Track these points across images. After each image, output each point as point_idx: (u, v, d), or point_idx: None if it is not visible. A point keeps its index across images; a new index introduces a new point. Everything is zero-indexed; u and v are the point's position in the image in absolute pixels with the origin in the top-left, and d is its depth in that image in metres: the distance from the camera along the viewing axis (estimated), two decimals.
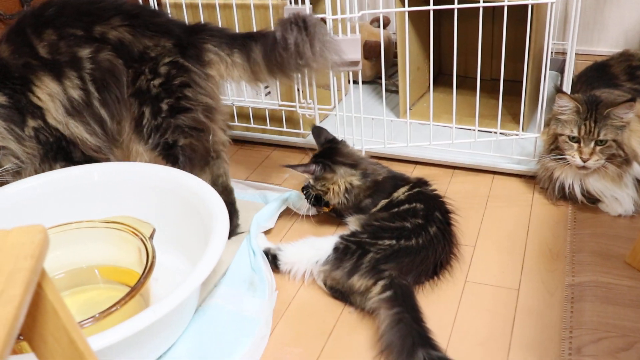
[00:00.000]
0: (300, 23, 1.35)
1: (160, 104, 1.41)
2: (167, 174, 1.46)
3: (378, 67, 2.19)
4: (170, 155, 1.46)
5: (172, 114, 1.42)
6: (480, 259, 1.42)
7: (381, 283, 1.24)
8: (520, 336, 1.21)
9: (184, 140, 1.44)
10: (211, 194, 1.37)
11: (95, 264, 1.37)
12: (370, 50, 2.13)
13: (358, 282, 1.26)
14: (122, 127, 1.46)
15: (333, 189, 1.46)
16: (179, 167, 1.46)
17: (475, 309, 1.28)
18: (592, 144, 1.47)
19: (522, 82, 1.68)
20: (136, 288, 1.15)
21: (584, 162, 1.48)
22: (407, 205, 1.39)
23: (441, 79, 2.20)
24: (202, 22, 1.50)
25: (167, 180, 1.45)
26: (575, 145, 1.49)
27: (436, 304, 1.29)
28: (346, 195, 1.45)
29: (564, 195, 1.58)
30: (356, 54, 1.43)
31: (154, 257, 1.22)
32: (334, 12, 1.45)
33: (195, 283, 1.14)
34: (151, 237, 1.28)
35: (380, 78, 2.21)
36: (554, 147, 1.54)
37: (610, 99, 1.52)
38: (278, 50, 1.37)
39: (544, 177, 1.60)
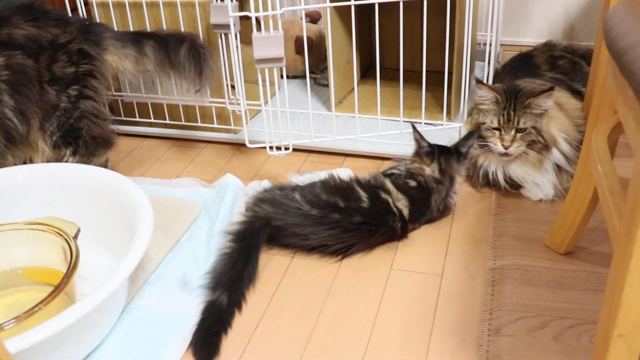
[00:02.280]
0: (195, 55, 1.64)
1: (68, 89, 1.54)
2: (93, 173, 1.46)
3: (310, 61, 2.21)
4: (71, 140, 1.58)
5: (78, 99, 1.56)
6: (405, 246, 1.45)
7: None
8: (442, 320, 1.24)
9: (87, 125, 1.59)
10: (135, 190, 1.37)
11: (20, 266, 1.35)
12: (301, 45, 2.14)
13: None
14: (31, 125, 1.49)
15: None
16: (77, 153, 1.60)
17: (399, 295, 1.31)
18: (513, 131, 1.52)
19: (450, 73, 1.72)
20: (59, 287, 1.14)
21: (506, 149, 1.52)
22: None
23: (373, 72, 2.23)
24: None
25: (93, 179, 1.45)
26: (497, 133, 1.54)
27: (362, 291, 1.32)
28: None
29: (488, 182, 1.62)
30: (279, 50, 1.44)
31: (77, 256, 1.22)
32: (257, 10, 1.46)
33: (119, 280, 1.14)
34: (76, 236, 1.27)
35: (314, 72, 2.24)
36: (477, 135, 1.58)
37: (529, 88, 1.57)
38: (170, 63, 1.65)
39: (469, 165, 1.64)
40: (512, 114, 1.51)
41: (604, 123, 1.18)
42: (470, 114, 1.63)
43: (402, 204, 1.45)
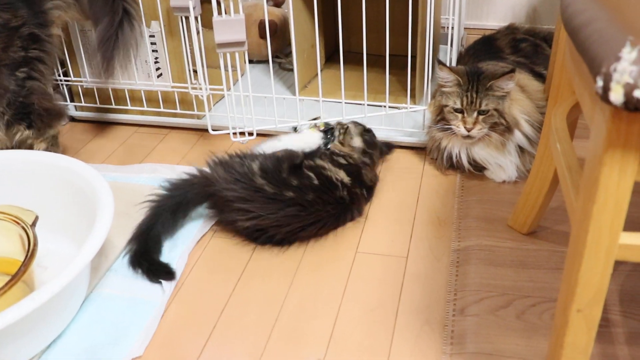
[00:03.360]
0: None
1: (16, 72, 1.56)
2: (51, 160, 1.44)
3: (275, 45, 2.20)
4: (24, 115, 1.59)
5: (25, 80, 1.58)
6: (370, 230, 1.45)
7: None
8: (408, 301, 1.25)
9: (37, 99, 1.59)
10: (95, 176, 1.35)
11: None
12: (265, 29, 2.12)
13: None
14: None
15: None
16: (32, 127, 1.61)
17: (365, 278, 1.31)
18: (475, 114, 1.52)
19: (415, 56, 1.72)
20: (17, 276, 1.12)
21: (468, 131, 1.53)
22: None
23: (339, 56, 2.21)
24: None
25: (51, 166, 1.42)
26: (460, 115, 1.54)
27: (327, 275, 1.32)
28: None
29: (452, 165, 1.63)
30: (241, 34, 1.42)
31: (35, 244, 1.19)
32: None
33: (79, 267, 1.12)
34: (33, 224, 1.24)
35: (278, 57, 2.22)
36: (440, 117, 1.59)
37: (492, 70, 1.58)
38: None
39: (433, 147, 1.64)
40: (474, 96, 1.52)
41: (563, 102, 1.19)
42: (433, 97, 1.63)
43: (341, 175, 1.45)
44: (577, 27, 0.83)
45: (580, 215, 0.80)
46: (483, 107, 1.51)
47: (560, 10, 0.95)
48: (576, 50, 0.86)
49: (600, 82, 0.69)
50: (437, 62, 1.57)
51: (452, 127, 1.55)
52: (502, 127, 1.54)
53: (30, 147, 1.61)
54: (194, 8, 1.50)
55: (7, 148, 1.58)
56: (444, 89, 1.56)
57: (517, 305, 1.22)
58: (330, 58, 2.21)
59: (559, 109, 1.17)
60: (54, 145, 1.68)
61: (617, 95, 0.67)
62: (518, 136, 1.55)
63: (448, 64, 1.60)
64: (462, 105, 1.53)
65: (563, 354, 0.86)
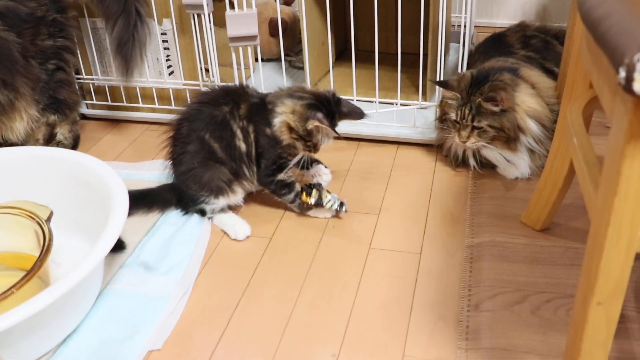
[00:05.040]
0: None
1: (47, 64, 1.66)
2: (66, 156, 1.44)
3: (285, 43, 2.20)
4: (53, 108, 1.71)
5: (55, 72, 1.69)
6: (383, 226, 1.45)
7: None
8: (421, 297, 1.24)
9: (63, 92, 1.72)
10: (109, 173, 1.35)
11: None
12: (275, 27, 2.13)
13: None
14: (20, 94, 1.58)
15: None
16: (58, 118, 1.74)
17: (378, 274, 1.31)
18: (469, 128, 1.53)
19: (427, 54, 1.72)
20: (32, 270, 1.12)
21: (463, 142, 1.54)
22: None
23: (348, 55, 2.21)
24: None
25: (65, 162, 1.43)
26: (457, 126, 1.54)
27: (341, 270, 1.32)
28: None
29: (462, 162, 1.63)
30: (253, 28, 1.42)
31: (50, 239, 1.19)
32: None
33: (94, 262, 1.13)
34: (48, 219, 1.25)
35: (288, 55, 2.22)
36: (445, 118, 1.59)
37: (485, 89, 1.52)
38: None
39: (443, 144, 1.64)
40: (467, 112, 1.51)
41: (578, 98, 1.19)
42: (442, 97, 1.63)
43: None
44: (596, 19, 0.83)
45: (601, 208, 0.79)
46: (475, 124, 1.51)
47: (578, 5, 0.95)
48: (595, 44, 0.86)
49: (623, 73, 0.69)
50: (434, 82, 1.57)
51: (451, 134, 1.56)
52: (504, 138, 1.53)
53: (53, 128, 1.77)
54: (207, 5, 1.50)
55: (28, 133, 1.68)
56: (447, 101, 1.56)
57: (532, 301, 1.22)
58: (340, 56, 2.21)
59: (575, 104, 1.17)
60: (75, 124, 1.82)
61: None
62: (526, 139, 1.54)
63: (459, 65, 1.59)
64: (457, 118, 1.53)
65: (582, 348, 0.86)
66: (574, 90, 1.20)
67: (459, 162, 1.63)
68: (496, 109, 1.49)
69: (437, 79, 1.58)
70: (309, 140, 1.40)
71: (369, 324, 1.19)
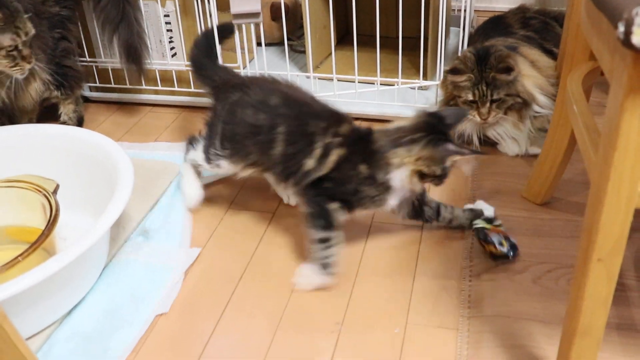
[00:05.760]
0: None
1: (53, 31, 1.70)
2: (73, 133, 1.46)
3: (287, 27, 2.21)
4: (59, 79, 1.71)
5: (60, 41, 1.72)
6: None
7: None
8: (424, 268, 1.26)
9: (68, 61, 1.75)
10: (115, 149, 1.37)
11: (3, 225, 1.34)
12: (277, 12, 2.14)
13: None
14: (36, 53, 1.59)
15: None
16: (61, 94, 1.75)
17: (381, 247, 1.32)
18: (488, 104, 1.54)
19: (428, 38, 1.74)
20: (39, 240, 1.14)
21: (485, 120, 1.55)
22: None
23: (349, 39, 2.23)
24: None
25: (72, 138, 1.45)
26: (474, 105, 1.56)
27: (345, 242, 1.33)
28: None
29: (463, 142, 1.64)
30: (256, 5, 1.44)
31: (57, 211, 1.21)
32: None
33: (100, 231, 1.14)
34: (55, 192, 1.26)
35: (290, 39, 2.24)
36: (453, 103, 1.60)
37: (495, 56, 1.56)
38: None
39: None
40: (484, 89, 1.54)
41: (578, 69, 1.20)
42: (445, 79, 1.64)
43: None
44: None
45: (601, 164, 0.81)
46: (495, 97, 1.54)
47: None
48: (595, 7, 0.87)
49: (622, 28, 0.70)
50: (445, 72, 1.58)
51: (469, 116, 1.56)
52: (519, 104, 1.55)
53: (56, 105, 1.77)
54: None
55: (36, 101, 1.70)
56: (457, 85, 1.57)
57: (533, 271, 1.23)
58: (341, 40, 2.22)
59: (575, 74, 1.18)
60: (79, 105, 1.83)
61: (639, 38, 0.68)
62: (535, 108, 1.57)
63: (459, 48, 1.61)
64: (474, 97, 1.55)
65: (584, 305, 0.87)
66: (575, 61, 1.22)
67: (461, 141, 1.65)
68: (510, 77, 1.52)
69: (448, 68, 1.59)
70: (444, 176, 1.22)
71: (372, 293, 1.21)
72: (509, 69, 1.51)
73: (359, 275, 1.25)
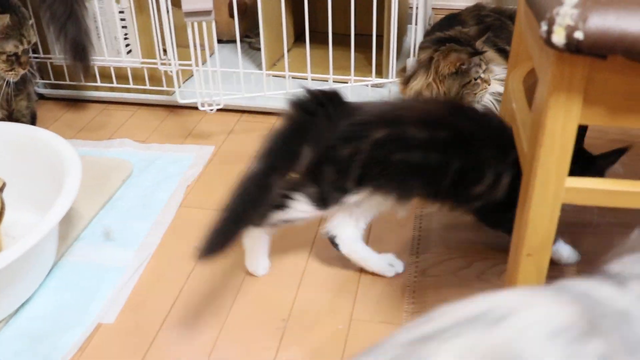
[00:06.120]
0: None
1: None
2: (20, 130, 1.45)
3: (245, 25, 2.21)
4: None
5: None
6: None
7: None
8: None
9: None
10: (64, 145, 1.36)
11: None
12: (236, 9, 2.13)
13: None
14: None
15: None
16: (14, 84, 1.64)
17: (329, 246, 1.30)
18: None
19: (384, 35, 1.77)
20: None
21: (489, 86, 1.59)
22: None
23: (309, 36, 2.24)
24: None
25: (18, 136, 1.43)
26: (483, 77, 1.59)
27: (293, 243, 1.34)
28: None
29: None
30: (207, 3, 1.44)
31: (3, 209, 1.20)
32: None
33: (46, 229, 1.13)
34: (1, 190, 1.25)
35: (248, 36, 2.24)
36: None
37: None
38: None
39: None
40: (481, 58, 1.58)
41: (520, 67, 1.22)
42: (406, 82, 1.64)
43: None
44: None
45: (529, 161, 0.83)
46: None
47: None
48: (528, 7, 0.89)
49: (544, 27, 0.72)
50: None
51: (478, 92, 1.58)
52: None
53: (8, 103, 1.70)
54: None
55: None
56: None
57: (478, 266, 1.25)
58: (300, 37, 2.23)
59: (517, 72, 1.20)
60: (30, 101, 1.76)
61: (559, 37, 0.70)
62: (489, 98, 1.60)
63: (412, 45, 1.64)
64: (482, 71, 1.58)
65: None
66: (518, 60, 1.24)
67: None
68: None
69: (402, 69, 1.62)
70: None
71: (318, 290, 1.22)
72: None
73: (306, 272, 1.26)
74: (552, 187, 0.81)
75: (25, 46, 1.52)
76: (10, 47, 1.49)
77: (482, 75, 1.56)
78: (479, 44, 1.60)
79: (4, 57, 1.51)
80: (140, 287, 1.24)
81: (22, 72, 1.56)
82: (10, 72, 1.54)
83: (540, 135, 0.78)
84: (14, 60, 1.52)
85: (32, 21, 1.50)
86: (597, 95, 0.75)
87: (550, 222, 0.83)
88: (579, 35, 0.69)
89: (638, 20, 0.68)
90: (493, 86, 1.60)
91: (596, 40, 0.69)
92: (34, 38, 1.53)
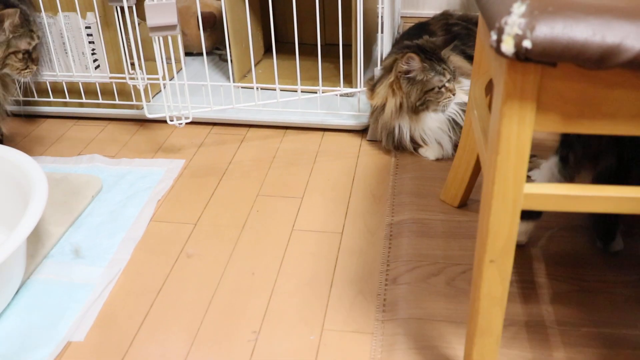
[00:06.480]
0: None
1: None
2: None
3: (215, 37, 2.22)
4: None
5: None
6: (306, 209, 1.48)
7: None
8: (342, 274, 1.28)
9: None
10: (31, 164, 1.35)
11: None
12: (204, 22, 2.14)
13: None
14: None
15: None
16: None
17: (300, 254, 1.33)
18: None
19: (352, 44, 1.78)
20: None
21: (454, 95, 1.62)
22: None
23: (279, 47, 2.24)
24: None
25: None
26: (444, 87, 1.60)
27: (263, 252, 1.34)
28: None
29: (393, 145, 1.66)
30: (172, 17, 1.44)
31: None
32: None
33: (11, 247, 1.12)
34: None
35: (219, 49, 2.24)
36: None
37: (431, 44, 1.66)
38: None
39: (381, 132, 1.68)
40: (445, 67, 1.60)
41: (482, 76, 1.23)
42: (372, 88, 1.66)
43: None
44: None
45: (488, 168, 0.84)
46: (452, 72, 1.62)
47: None
48: (482, 16, 0.90)
49: (494, 36, 0.73)
50: (409, 55, 1.59)
51: (443, 101, 1.60)
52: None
53: None
54: None
55: None
56: (414, 78, 1.59)
57: (448, 273, 1.26)
58: (270, 48, 2.23)
59: (479, 81, 1.22)
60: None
61: (507, 46, 0.71)
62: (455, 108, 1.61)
63: (379, 53, 1.65)
64: (445, 80, 1.59)
65: (480, 306, 0.90)
66: (480, 69, 1.25)
67: (392, 145, 1.67)
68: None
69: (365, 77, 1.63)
70: None
71: (290, 301, 1.22)
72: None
73: (277, 283, 1.26)
74: (510, 193, 0.82)
75: (36, 41, 1.49)
76: (24, 44, 1.46)
77: (447, 85, 1.58)
78: (445, 52, 1.62)
79: (19, 55, 1.47)
80: (110, 303, 1.23)
81: (34, 69, 1.52)
82: (25, 71, 1.51)
83: (496, 143, 0.79)
84: (27, 58, 1.49)
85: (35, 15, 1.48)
86: (550, 102, 0.76)
87: (511, 228, 0.84)
88: (527, 44, 0.70)
89: (585, 29, 0.70)
90: (459, 96, 1.61)
91: (544, 48, 0.70)
92: (41, 32, 1.51)
